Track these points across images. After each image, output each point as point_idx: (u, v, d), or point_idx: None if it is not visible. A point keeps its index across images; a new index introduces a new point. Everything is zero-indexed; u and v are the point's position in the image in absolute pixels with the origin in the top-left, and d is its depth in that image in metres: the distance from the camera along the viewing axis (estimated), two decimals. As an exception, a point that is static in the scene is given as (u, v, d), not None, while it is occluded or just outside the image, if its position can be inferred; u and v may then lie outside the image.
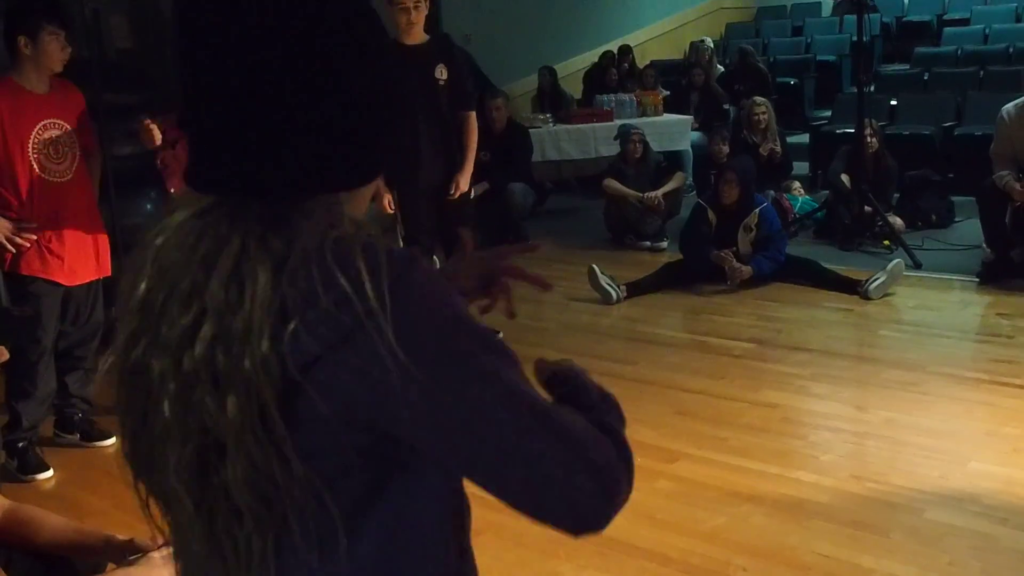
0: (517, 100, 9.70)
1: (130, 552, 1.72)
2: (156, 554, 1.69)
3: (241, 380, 0.92)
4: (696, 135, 8.86)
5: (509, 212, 7.43)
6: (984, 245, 6.10)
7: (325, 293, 0.91)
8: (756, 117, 7.59)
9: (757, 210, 6.09)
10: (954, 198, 7.34)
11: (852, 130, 7.29)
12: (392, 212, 4.95)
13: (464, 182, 4.99)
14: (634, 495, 3.38)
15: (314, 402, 0.92)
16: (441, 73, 4.83)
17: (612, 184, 7.41)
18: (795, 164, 8.13)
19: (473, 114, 5.06)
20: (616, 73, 10.07)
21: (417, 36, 4.81)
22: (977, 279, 5.93)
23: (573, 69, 10.91)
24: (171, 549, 1.11)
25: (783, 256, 6.12)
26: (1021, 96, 5.83)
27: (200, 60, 0.97)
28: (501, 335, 1.27)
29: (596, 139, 8.33)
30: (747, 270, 5.99)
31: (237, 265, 0.93)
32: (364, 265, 0.91)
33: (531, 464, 0.96)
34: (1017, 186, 5.65)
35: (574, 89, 10.40)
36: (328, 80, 0.97)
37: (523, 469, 0.96)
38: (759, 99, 7.78)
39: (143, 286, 0.99)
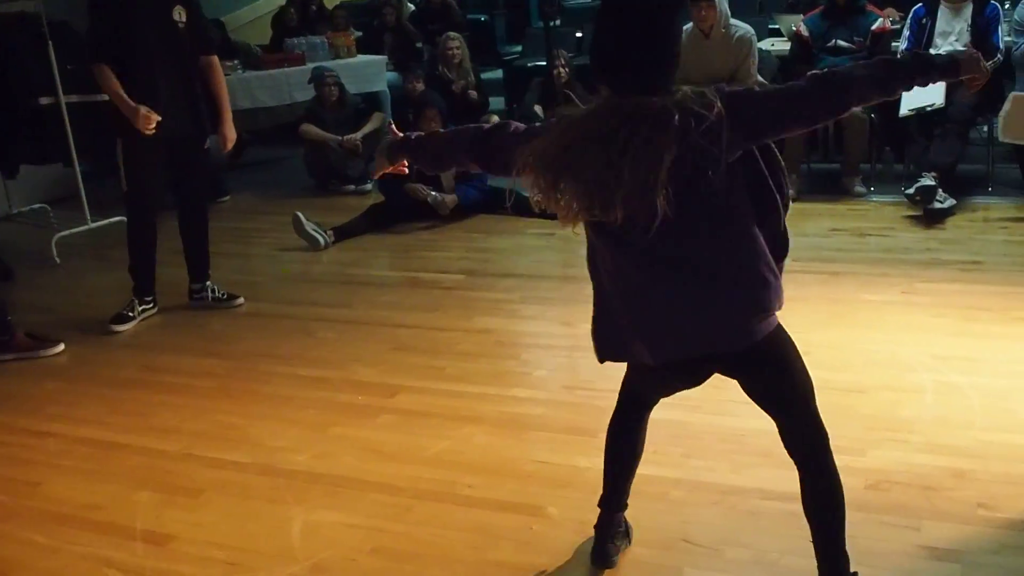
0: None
1: None
2: None
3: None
4: (392, 75, 8.84)
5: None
6: (667, 164, 6.53)
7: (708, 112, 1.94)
8: (450, 52, 7.68)
9: None
10: (639, 122, 7.76)
11: (543, 63, 7.55)
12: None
13: (231, 133, 4.79)
14: (358, 432, 3.42)
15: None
16: (180, 15, 4.55)
17: (310, 129, 7.28)
18: (491, 99, 8.32)
19: (216, 58, 4.87)
20: (295, 16, 9.80)
21: None
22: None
23: (252, 17, 10.49)
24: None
25: (487, 185, 6.28)
26: (689, 23, 6.25)
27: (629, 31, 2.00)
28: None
29: (290, 84, 8.09)
30: (451, 198, 6.10)
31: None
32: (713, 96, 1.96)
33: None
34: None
35: (260, 37, 10.03)
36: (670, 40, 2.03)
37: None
38: (453, 34, 7.88)
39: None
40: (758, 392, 2.30)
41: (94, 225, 6.31)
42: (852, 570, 2.30)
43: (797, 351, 2.25)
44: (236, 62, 8.17)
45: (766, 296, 2.13)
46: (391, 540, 2.80)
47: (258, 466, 3.31)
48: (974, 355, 3.72)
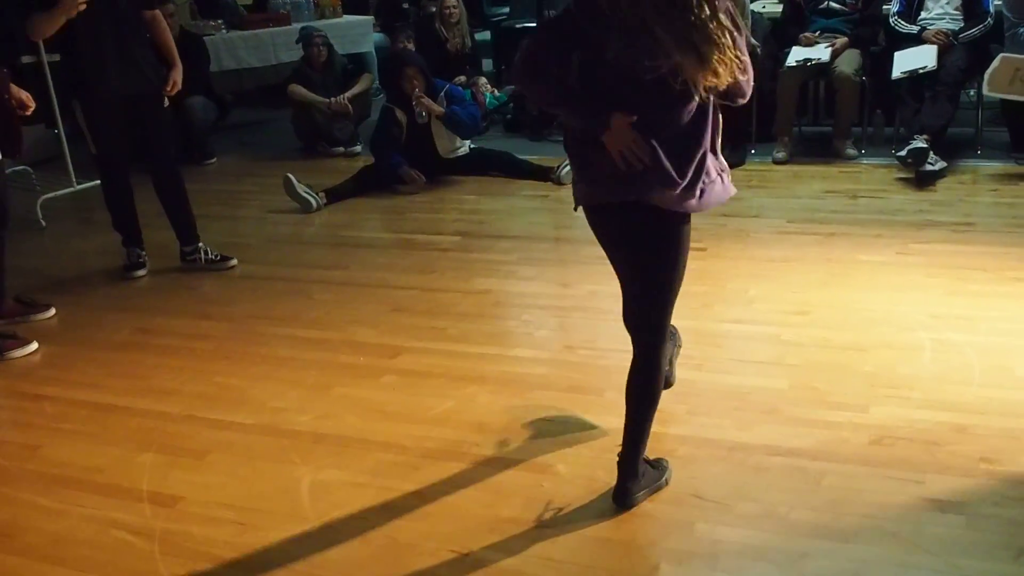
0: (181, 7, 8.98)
1: None
2: None
3: None
4: (378, 36, 8.76)
5: (190, 128, 7.06)
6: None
7: None
8: (448, 12, 7.62)
9: (442, 94, 6.14)
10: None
11: (533, 24, 7.51)
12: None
13: (179, 78, 4.73)
14: (361, 392, 3.42)
15: None
16: None
17: (298, 90, 7.21)
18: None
19: (159, 12, 4.79)
20: None
21: None
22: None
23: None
24: None
25: (479, 115, 6.33)
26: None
27: None
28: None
29: (275, 45, 8.00)
30: (437, 109, 6.04)
31: None
32: None
33: None
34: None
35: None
36: None
37: None
38: (450, -6, 7.82)
39: None
40: (638, 260, 2.57)
41: (79, 187, 6.24)
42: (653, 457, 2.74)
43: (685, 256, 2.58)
44: (220, 22, 8.07)
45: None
46: (401, 499, 2.81)
47: (262, 427, 3.30)
48: (970, 314, 3.76)
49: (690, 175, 2.43)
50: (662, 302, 2.58)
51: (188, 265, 5.00)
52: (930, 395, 3.18)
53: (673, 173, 2.40)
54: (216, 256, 5.00)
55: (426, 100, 6.00)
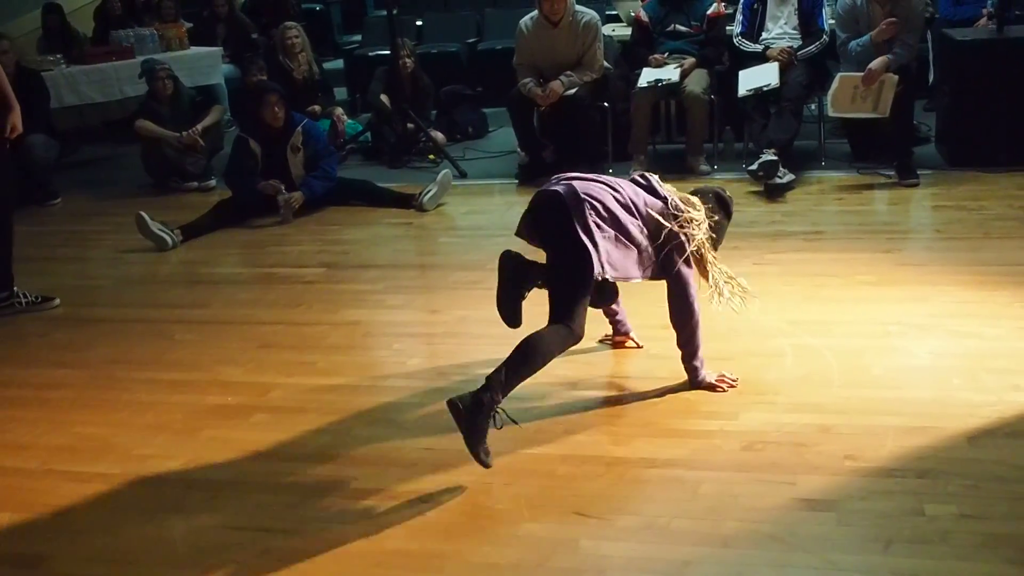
0: (19, 42, 8.62)
1: None
2: None
3: None
4: (228, 67, 8.59)
5: (32, 167, 6.73)
6: (518, 149, 6.62)
7: None
8: (290, 41, 7.50)
9: (299, 128, 6.04)
10: (486, 110, 7.83)
11: (386, 52, 7.49)
12: None
13: (18, 121, 4.48)
14: (232, 433, 3.29)
15: None
16: None
17: (146, 125, 6.99)
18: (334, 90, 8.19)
19: None
20: (120, 5, 9.42)
21: None
22: (516, 181, 6.43)
23: (79, 4, 9.98)
24: None
25: (335, 173, 6.19)
26: (535, 10, 6.31)
27: None
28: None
29: (120, 79, 7.75)
30: (297, 196, 5.95)
31: None
32: None
33: None
34: (539, 91, 6.16)
35: (85, 27, 9.57)
36: None
37: None
38: (290, 24, 7.71)
39: None
40: None
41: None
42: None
43: None
44: (59, 56, 7.78)
45: None
46: (280, 540, 2.73)
47: (128, 476, 3.16)
48: (825, 318, 3.92)
49: None
50: None
51: (5, 313, 4.72)
52: (794, 398, 3.30)
53: None
54: (36, 298, 4.77)
55: (283, 200, 5.90)
